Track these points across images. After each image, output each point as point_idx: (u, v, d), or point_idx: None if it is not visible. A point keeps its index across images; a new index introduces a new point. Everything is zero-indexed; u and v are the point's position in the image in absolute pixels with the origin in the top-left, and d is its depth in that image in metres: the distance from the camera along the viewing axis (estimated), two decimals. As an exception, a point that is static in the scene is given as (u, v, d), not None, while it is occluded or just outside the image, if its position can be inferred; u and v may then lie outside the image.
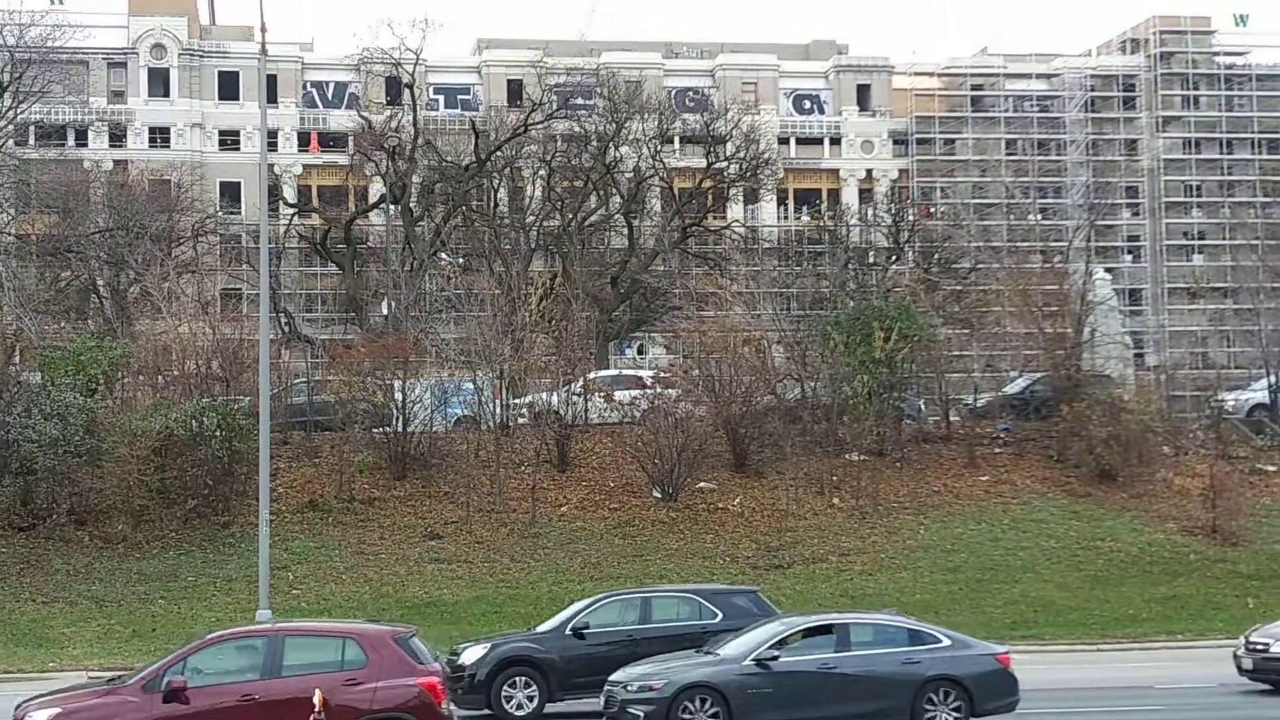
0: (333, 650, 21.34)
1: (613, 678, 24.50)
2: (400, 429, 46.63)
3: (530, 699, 26.63)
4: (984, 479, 48.35)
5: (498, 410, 47.90)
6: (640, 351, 72.84)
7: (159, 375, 48.11)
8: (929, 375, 52.37)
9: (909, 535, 45.12)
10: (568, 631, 27.53)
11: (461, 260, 68.11)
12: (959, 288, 64.59)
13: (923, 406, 52.61)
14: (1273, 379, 54.59)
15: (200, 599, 39.98)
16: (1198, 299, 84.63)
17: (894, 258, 71.46)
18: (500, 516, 44.62)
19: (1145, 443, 48.86)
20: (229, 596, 40.04)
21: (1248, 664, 28.95)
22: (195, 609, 39.30)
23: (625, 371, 55.18)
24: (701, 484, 46.52)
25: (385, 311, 60.93)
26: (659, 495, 45.95)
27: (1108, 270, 70.43)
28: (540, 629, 28.65)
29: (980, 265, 68.16)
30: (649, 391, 48.63)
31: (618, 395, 49.09)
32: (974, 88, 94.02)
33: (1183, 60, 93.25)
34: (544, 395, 48.69)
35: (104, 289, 62.38)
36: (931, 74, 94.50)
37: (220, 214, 75.49)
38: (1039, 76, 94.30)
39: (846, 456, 47.50)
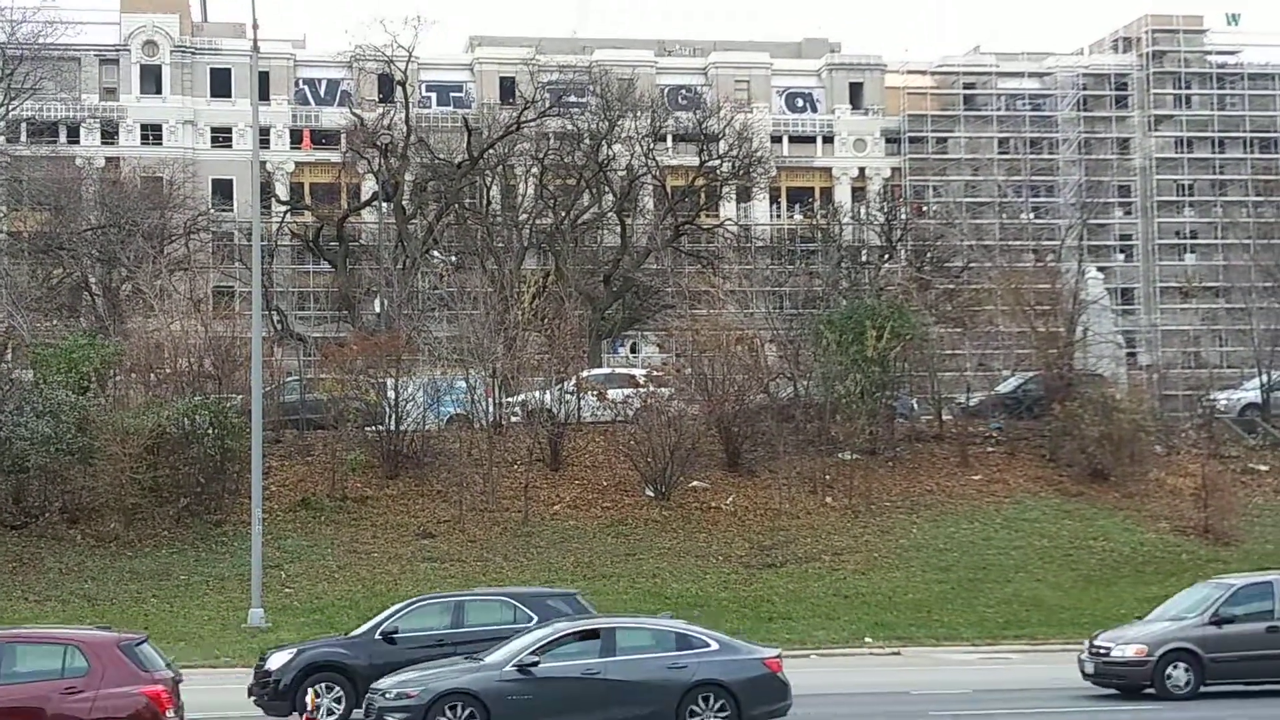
0: (54, 658, 20.73)
1: (374, 685, 24.14)
2: (393, 427, 46.59)
3: (336, 705, 26.06)
4: (976, 478, 48.39)
5: (490, 409, 47.87)
6: (633, 350, 72.85)
7: (151, 373, 48.07)
8: (921, 374, 52.42)
9: (902, 534, 45.17)
10: (377, 636, 27.07)
11: (454, 258, 68.07)
12: (951, 286, 64.61)
13: (915, 405, 52.65)
14: (1265, 378, 54.62)
15: (193, 598, 39.95)
16: (1190, 298, 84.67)
17: (886, 256, 71.49)
18: (493, 515, 44.61)
19: (1137, 442, 48.91)
20: (221, 595, 40.02)
21: (1089, 668, 28.64)
22: (188, 608, 39.28)
23: (618, 370, 55.16)
24: (694, 483, 46.53)
25: (378, 309, 60.90)
26: (652, 494, 45.96)
27: (1100, 269, 70.43)
28: (353, 634, 28.17)
29: (973, 264, 68.19)
30: (642, 390, 48.66)
31: (610, 394, 49.08)
32: (966, 86, 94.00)
33: (1175, 59, 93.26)
34: (537, 394, 48.68)
35: (96, 286, 62.26)
36: (924, 72, 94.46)
37: (212, 211, 75.35)
38: (1031, 75, 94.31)
39: (839, 455, 47.53)
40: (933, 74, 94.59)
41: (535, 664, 23.40)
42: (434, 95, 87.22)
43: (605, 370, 54.41)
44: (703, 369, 48.88)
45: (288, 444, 47.35)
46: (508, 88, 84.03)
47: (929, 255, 71.23)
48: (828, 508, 46.14)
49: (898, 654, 37.16)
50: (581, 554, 43.05)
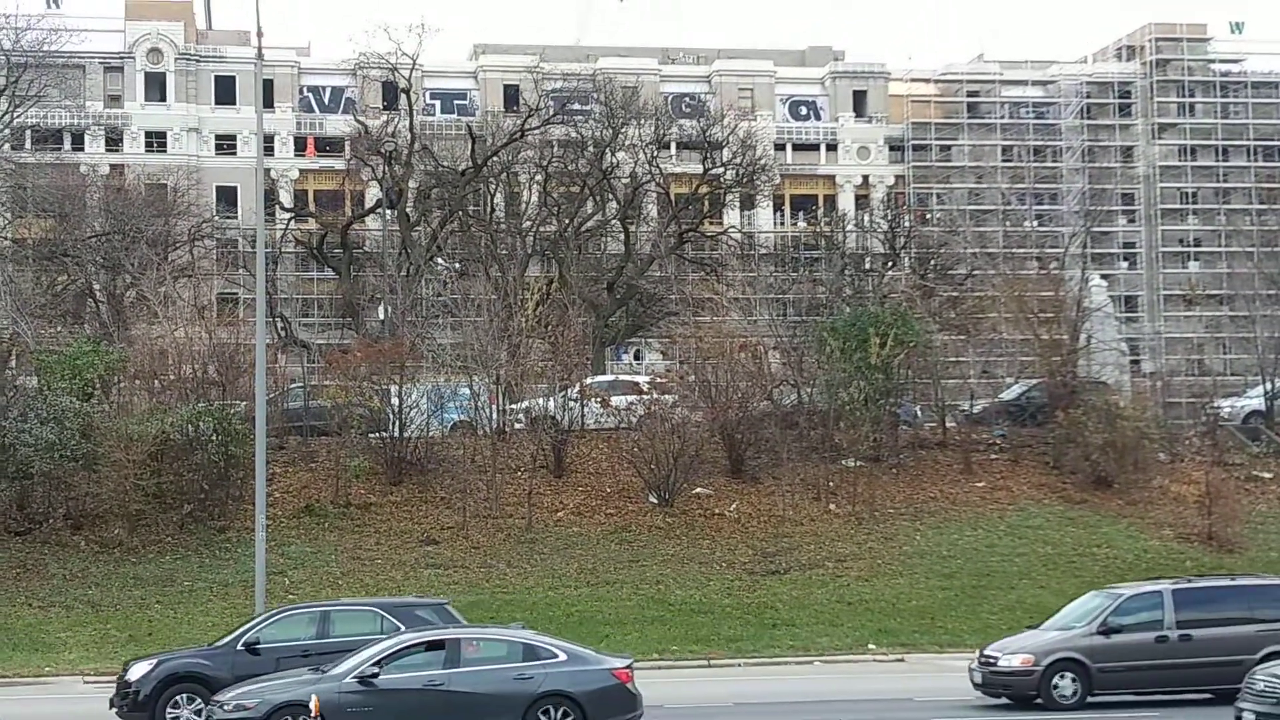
0: None
1: (215, 697, 24.20)
2: (396, 434, 46.61)
3: (196, 716, 25.84)
4: (980, 485, 48.38)
5: (494, 415, 47.88)
6: (636, 357, 72.92)
7: (155, 380, 48.05)
8: (925, 381, 52.41)
9: (905, 541, 45.13)
10: (240, 647, 27.02)
11: (458, 265, 68.13)
12: (955, 294, 64.65)
13: (919, 412, 52.62)
14: (1268, 386, 54.59)
15: (196, 604, 39.94)
16: (1194, 306, 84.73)
17: (890, 264, 71.51)
18: (497, 522, 44.62)
19: (1141, 449, 48.86)
20: (225, 601, 40.01)
21: (978, 678, 28.35)
22: (191, 614, 39.27)
23: (621, 377, 55.22)
24: (698, 490, 46.52)
25: (382, 316, 60.92)
26: (655, 501, 45.96)
27: (1104, 277, 70.55)
28: (216, 644, 28.10)
29: (976, 271, 68.20)
30: (645, 397, 48.65)
31: (614, 401, 49.08)
32: (970, 94, 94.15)
33: (1179, 68, 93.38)
34: (540, 401, 48.69)
35: (100, 293, 62.31)
36: (928, 80, 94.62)
37: (216, 218, 75.37)
38: (1035, 83, 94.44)
39: (843, 462, 47.49)
40: (936, 82, 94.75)
41: (376, 675, 23.34)
42: (438, 103, 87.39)
43: (609, 377, 54.46)
44: (706, 376, 48.85)
45: (291, 450, 47.35)
46: (512, 95, 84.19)
47: (933, 263, 71.28)
48: (831, 515, 46.12)
49: (901, 661, 37.16)
50: (585, 561, 43.04)
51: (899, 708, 28.67)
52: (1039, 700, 27.62)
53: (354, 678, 23.37)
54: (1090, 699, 27.62)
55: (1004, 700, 28.33)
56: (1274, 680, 22.49)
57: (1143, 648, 27.90)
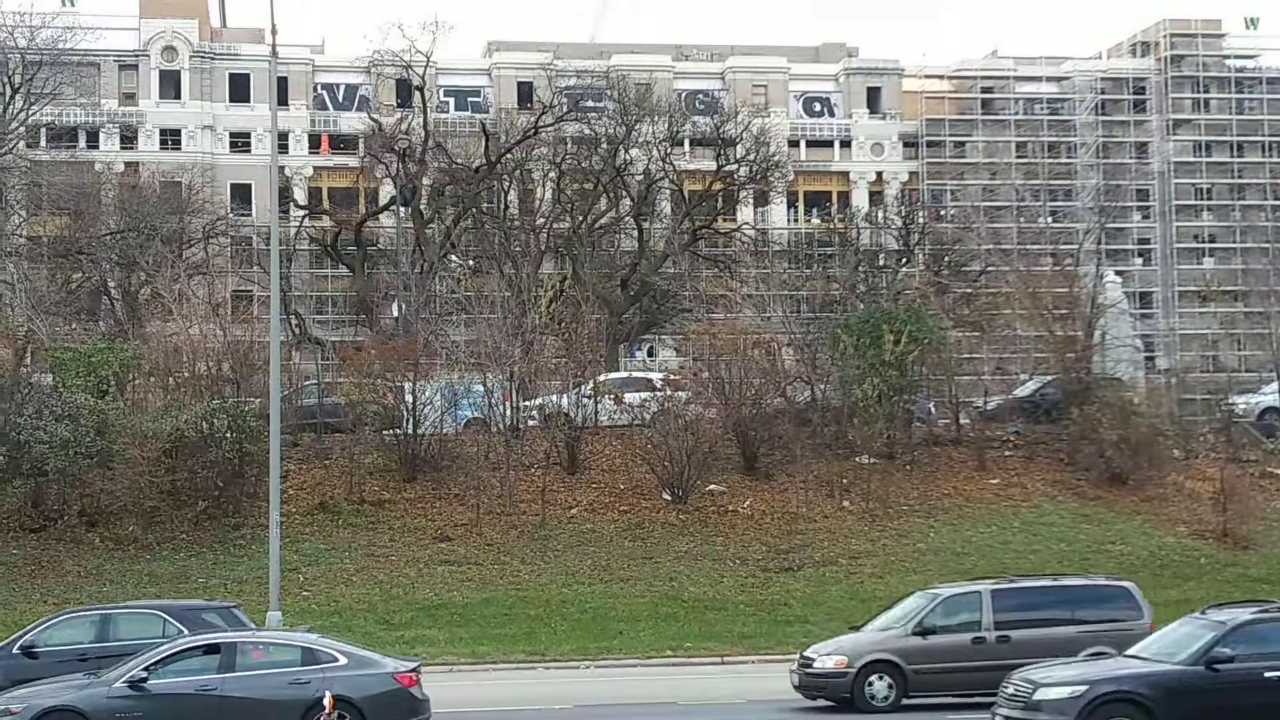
0: None
1: None
2: (410, 431, 46.63)
3: None
4: (994, 482, 48.31)
5: (508, 412, 47.87)
6: (650, 354, 72.90)
7: (170, 377, 48.16)
8: (939, 378, 52.33)
9: (919, 538, 45.10)
10: (16, 650, 26.77)
11: (472, 262, 68.24)
12: (969, 290, 64.54)
13: (933, 409, 52.54)
14: (1284, 382, 54.47)
15: (211, 601, 40.01)
16: (1208, 302, 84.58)
17: (904, 260, 71.45)
18: (510, 519, 44.64)
19: (1156, 446, 48.77)
20: (239, 598, 39.99)
21: (796, 680, 28.04)
22: (206, 610, 39.29)
23: (635, 374, 55.16)
24: (711, 486, 46.50)
25: (396, 313, 61.03)
26: (669, 498, 45.95)
27: (1118, 273, 70.37)
28: None
29: (990, 268, 68.08)
30: (659, 394, 48.64)
31: (627, 398, 49.07)
32: (984, 90, 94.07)
33: (1193, 63, 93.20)
34: (554, 397, 48.68)
35: (115, 291, 62.46)
36: (942, 77, 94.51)
37: (231, 216, 75.58)
38: (1049, 79, 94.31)
39: (856, 459, 47.46)
40: (950, 78, 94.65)
41: (146, 680, 23.10)
42: (452, 100, 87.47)
43: (622, 374, 54.40)
44: (720, 373, 48.83)
45: (306, 448, 47.41)
46: (525, 92, 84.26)
47: (946, 259, 71.16)
48: (845, 511, 46.09)
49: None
50: (599, 557, 43.06)
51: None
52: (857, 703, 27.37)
53: (124, 682, 23.08)
54: (906, 701, 27.35)
55: (823, 702, 27.97)
56: (1024, 684, 22.37)
57: (959, 649, 27.56)
